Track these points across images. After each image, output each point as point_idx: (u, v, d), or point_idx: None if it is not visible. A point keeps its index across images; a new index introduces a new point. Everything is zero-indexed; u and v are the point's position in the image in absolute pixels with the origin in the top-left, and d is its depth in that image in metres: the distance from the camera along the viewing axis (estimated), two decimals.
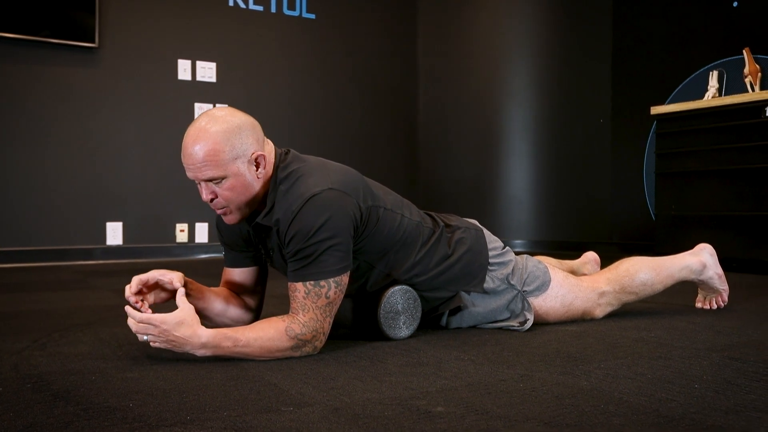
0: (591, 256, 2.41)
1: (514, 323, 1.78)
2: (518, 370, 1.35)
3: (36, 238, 4.14)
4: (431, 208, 5.07)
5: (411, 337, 1.69)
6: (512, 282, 1.79)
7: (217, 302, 1.65)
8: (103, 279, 3.26)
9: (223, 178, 1.45)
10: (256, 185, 1.50)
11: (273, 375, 1.31)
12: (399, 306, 1.66)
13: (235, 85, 4.71)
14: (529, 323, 1.77)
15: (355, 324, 1.73)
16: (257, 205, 1.55)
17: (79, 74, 4.26)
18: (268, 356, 1.43)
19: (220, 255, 4.58)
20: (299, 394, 1.18)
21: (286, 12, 4.90)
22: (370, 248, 1.60)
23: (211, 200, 1.49)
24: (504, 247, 1.86)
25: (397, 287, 1.66)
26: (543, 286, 1.82)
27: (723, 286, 2.11)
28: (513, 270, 1.81)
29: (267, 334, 1.42)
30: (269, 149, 1.54)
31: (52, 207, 4.19)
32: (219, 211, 1.54)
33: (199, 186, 1.49)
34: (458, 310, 1.79)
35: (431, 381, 1.26)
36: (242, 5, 4.75)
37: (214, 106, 4.62)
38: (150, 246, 4.45)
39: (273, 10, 4.85)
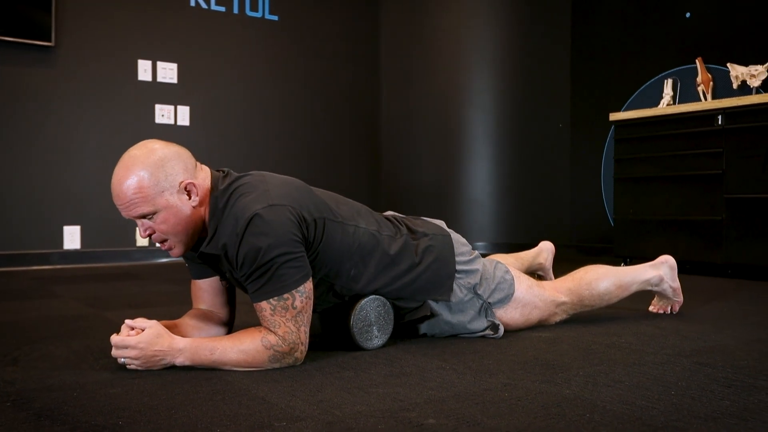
0: (546, 246, 2.47)
1: (487, 331, 1.80)
2: (500, 379, 1.37)
3: None
4: (394, 211, 5.08)
5: (389, 344, 1.70)
6: (479, 292, 1.80)
7: (191, 322, 1.64)
8: (63, 285, 3.18)
9: (153, 213, 1.46)
10: (192, 214, 1.49)
11: (259, 388, 1.31)
12: (371, 317, 1.66)
13: (197, 87, 4.64)
14: (502, 329, 1.80)
15: (326, 334, 1.74)
16: (200, 234, 1.54)
17: (34, 74, 4.13)
18: (246, 366, 1.43)
19: (181, 259, 4.50)
20: (289, 407, 1.18)
21: (249, 13, 4.86)
22: (324, 262, 1.57)
23: (149, 236, 1.50)
24: (472, 252, 1.86)
25: (367, 298, 1.65)
26: (506, 298, 1.84)
27: (677, 298, 2.19)
28: (480, 279, 1.81)
29: (243, 344, 1.44)
30: (203, 175, 1.53)
31: (6, 210, 4.06)
32: (162, 246, 1.53)
33: (137, 224, 1.50)
34: (426, 318, 1.80)
35: (417, 392, 1.28)
36: (204, 6, 4.68)
37: (175, 108, 4.54)
38: (109, 250, 4.36)
39: (236, 11, 4.80)
